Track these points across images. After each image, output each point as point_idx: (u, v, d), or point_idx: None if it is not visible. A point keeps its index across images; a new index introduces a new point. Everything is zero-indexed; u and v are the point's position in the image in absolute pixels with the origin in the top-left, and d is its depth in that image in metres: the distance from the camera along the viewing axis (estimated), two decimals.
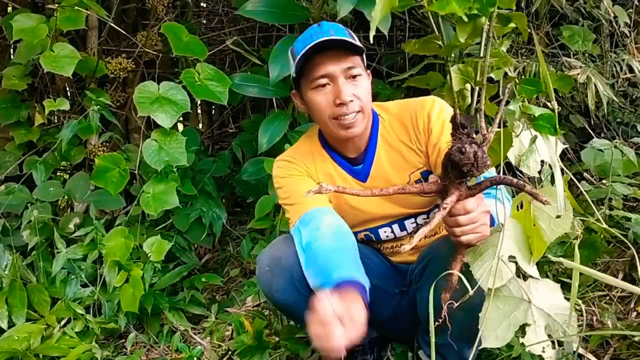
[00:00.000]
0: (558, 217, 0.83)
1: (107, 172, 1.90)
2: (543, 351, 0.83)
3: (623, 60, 2.49)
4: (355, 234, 1.34)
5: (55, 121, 2.42)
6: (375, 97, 1.33)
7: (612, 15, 2.38)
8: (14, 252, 1.93)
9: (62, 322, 1.89)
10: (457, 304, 0.86)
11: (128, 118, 2.50)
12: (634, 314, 1.58)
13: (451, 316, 0.88)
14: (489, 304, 0.84)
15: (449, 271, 0.90)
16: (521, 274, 0.89)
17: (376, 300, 1.41)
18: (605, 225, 0.97)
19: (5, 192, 2.06)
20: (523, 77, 2.17)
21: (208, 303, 2.13)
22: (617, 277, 1.67)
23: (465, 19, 0.72)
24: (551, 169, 0.86)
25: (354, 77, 1.21)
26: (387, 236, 1.39)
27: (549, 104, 0.93)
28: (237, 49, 2.39)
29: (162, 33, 1.99)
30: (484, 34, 0.81)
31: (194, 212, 2.24)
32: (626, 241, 1.15)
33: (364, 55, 1.27)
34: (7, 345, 1.70)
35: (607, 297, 1.65)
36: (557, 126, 0.88)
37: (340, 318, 0.93)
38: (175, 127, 2.15)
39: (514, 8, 0.77)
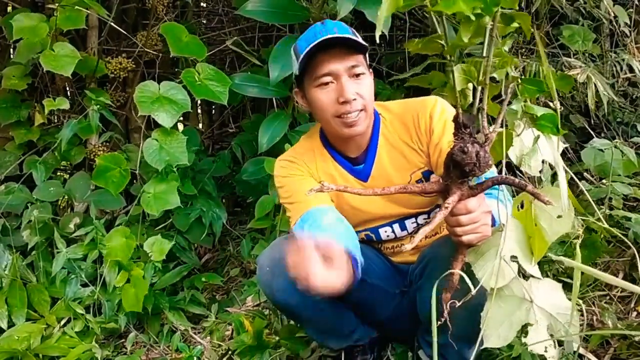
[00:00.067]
0: (559, 217, 0.83)
1: (108, 171, 1.90)
2: (546, 351, 0.82)
3: (623, 60, 2.49)
4: (356, 233, 1.34)
5: (55, 121, 2.41)
6: (376, 97, 1.33)
7: (612, 15, 2.39)
8: (14, 252, 1.93)
9: (62, 322, 1.89)
10: (459, 303, 0.86)
11: (128, 118, 2.50)
12: (634, 313, 1.58)
13: (452, 316, 0.88)
14: (491, 303, 0.84)
15: (450, 271, 0.90)
16: (521, 274, 0.89)
17: (376, 300, 1.42)
18: (605, 225, 0.97)
19: (5, 192, 2.06)
20: (523, 76, 2.17)
21: (208, 303, 2.13)
22: (617, 277, 1.67)
23: (473, 18, 0.72)
24: (552, 168, 0.86)
25: (357, 75, 1.21)
26: (388, 236, 1.39)
27: (550, 103, 0.93)
28: (237, 49, 2.39)
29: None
30: (487, 34, 0.81)
31: (194, 212, 2.24)
32: (626, 241, 1.15)
33: (367, 54, 1.27)
34: (7, 345, 1.70)
35: (608, 297, 1.65)
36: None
37: (321, 253, 0.94)
38: (175, 126, 2.15)
39: (517, 8, 0.77)
